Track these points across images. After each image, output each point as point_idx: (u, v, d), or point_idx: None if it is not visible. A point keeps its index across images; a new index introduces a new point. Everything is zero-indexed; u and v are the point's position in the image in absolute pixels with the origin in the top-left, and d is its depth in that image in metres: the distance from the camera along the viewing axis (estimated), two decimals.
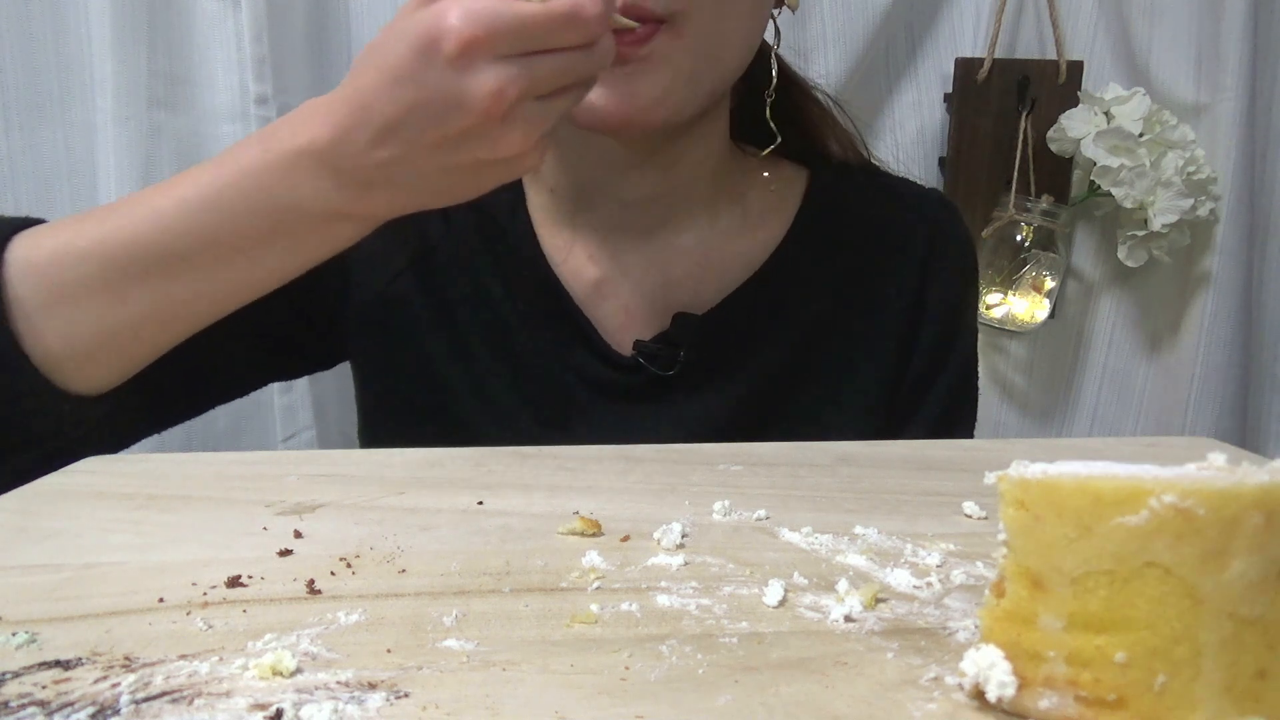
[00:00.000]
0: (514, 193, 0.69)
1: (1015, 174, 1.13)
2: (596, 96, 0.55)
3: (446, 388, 0.68)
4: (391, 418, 0.71)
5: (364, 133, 0.46)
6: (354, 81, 0.47)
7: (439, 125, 0.45)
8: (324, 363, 0.76)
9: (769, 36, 0.66)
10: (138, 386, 0.56)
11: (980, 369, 0.77)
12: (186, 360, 0.57)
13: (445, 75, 0.44)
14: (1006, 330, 1.19)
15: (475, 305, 0.68)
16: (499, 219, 0.68)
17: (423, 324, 0.68)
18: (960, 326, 0.73)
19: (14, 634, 0.30)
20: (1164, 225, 1.10)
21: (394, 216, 0.52)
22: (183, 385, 0.61)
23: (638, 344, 0.66)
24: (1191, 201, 1.10)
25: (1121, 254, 1.16)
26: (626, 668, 0.28)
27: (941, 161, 1.17)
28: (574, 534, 0.40)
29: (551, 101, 0.47)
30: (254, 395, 0.72)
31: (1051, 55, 1.14)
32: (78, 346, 0.52)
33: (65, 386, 0.53)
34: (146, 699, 0.26)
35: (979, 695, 0.26)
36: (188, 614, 0.32)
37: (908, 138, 1.17)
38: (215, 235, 0.50)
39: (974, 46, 1.14)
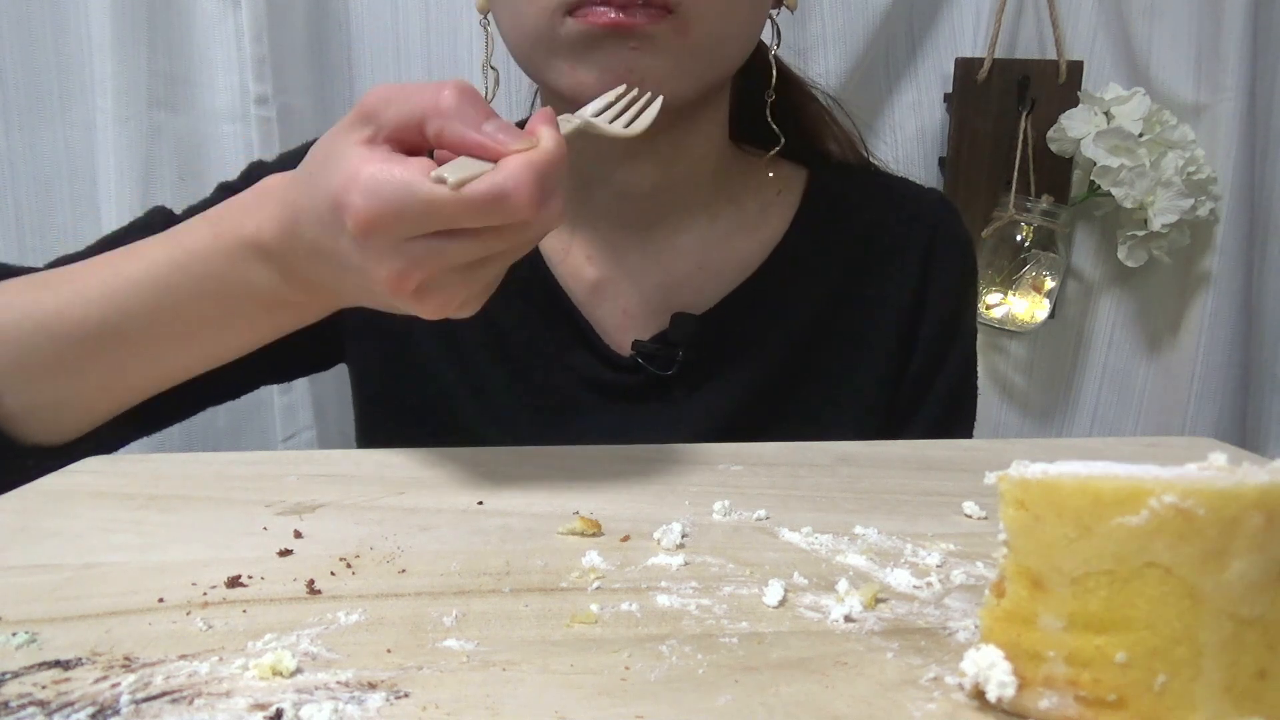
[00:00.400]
0: None
1: (1015, 174, 1.13)
2: (600, 76, 0.55)
3: (442, 389, 0.68)
4: (388, 420, 0.71)
5: (299, 250, 0.45)
6: (298, 185, 0.44)
7: (354, 280, 0.43)
8: (320, 365, 0.75)
9: (769, 38, 0.66)
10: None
11: (980, 369, 0.77)
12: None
13: (351, 245, 0.41)
14: (1006, 330, 1.19)
15: None
16: None
17: (417, 326, 0.68)
18: (959, 327, 0.73)
19: (14, 634, 0.30)
20: (1164, 225, 1.10)
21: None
22: (173, 393, 0.61)
23: (636, 344, 0.66)
24: (1191, 201, 1.10)
25: (1121, 254, 1.16)
26: (626, 668, 0.28)
27: (941, 161, 1.17)
28: (574, 534, 0.40)
29: (477, 271, 0.42)
30: (254, 395, 0.72)
31: (1051, 55, 1.14)
32: (37, 409, 0.52)
33: (28, 440, 0.52)
34: (146, 699, 0.26)
35: (979, 695, 0.26)
36: (188, 614, 0.32)
37: (908, 138, 1.17)
38: (166, 316, 0.50)
39: (974, 46, 1.14)
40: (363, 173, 0.39)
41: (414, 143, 0.41)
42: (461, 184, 0.37)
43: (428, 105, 0.40)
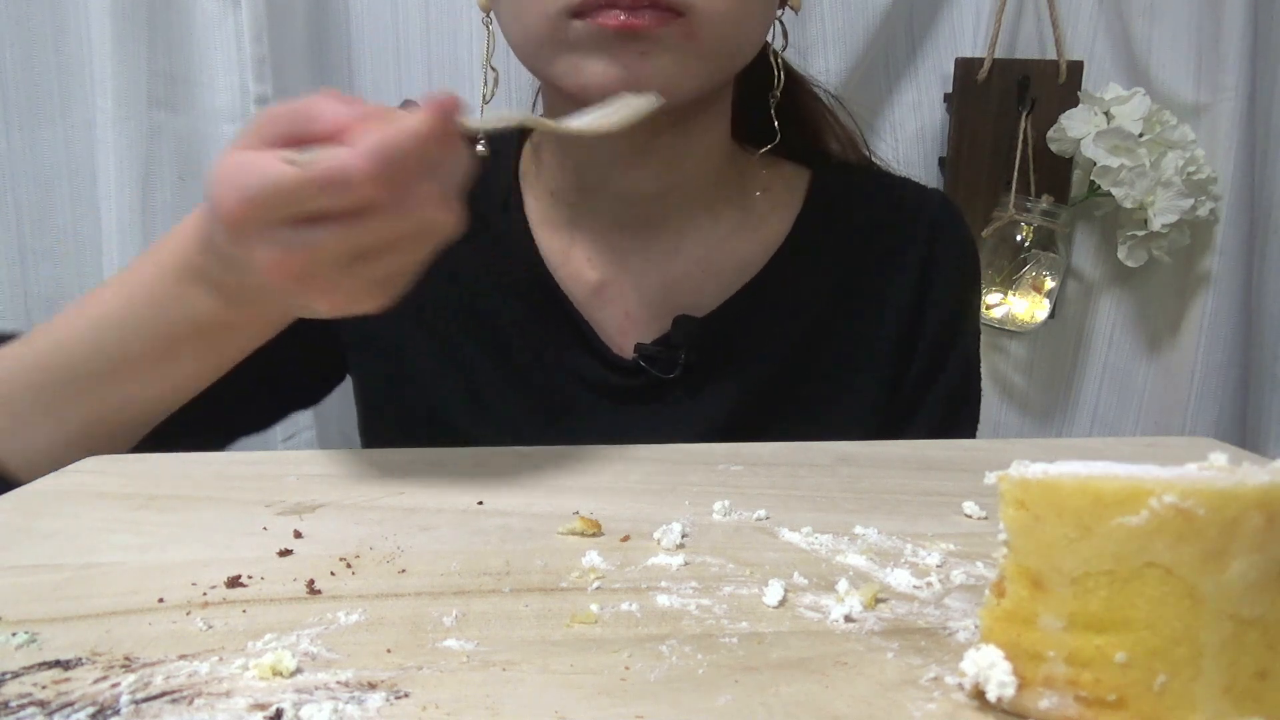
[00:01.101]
0: (510, 196, 0.69)
1: (1015, 174, 1.13)
2: (606, 72, 0.55)
3: (443, 396, 0.67)
4: (390, 428, 0.71)
5: (216, 264, 0.46)
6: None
7: (253, 281, 0.44)
8: (336, 379, 0.76)
9: (774, 38, 0.66)
10: (154, 442, 0.57)
11: (981, 369, 0.77)
12: (202, 415, 0.57)
13: (230, 241, 0.42)
14: (1006, 330, 1.19)
15: (468, 312, 0.68)
16: (493, 222, 0.68)
17: (414, 334, 0.68)
18: (961, 327, 0.73)
19: (14, 634, 0.30)
20: (1164, 225, 1.10)
21: (292, 320, 0.52)
22: (203, 428, 0.60)
23: (638, 347, 0.66)
24: (1191, 201, 1.10)
25: (1121, 254, 1.16)
26: (626, 668, 0.28)
27: (941, 161, 1.17)
28: (574, 534, 0.40)
29: (365, 265, 0.41)
30: None
31: (1051, 55, 1.14)
32: (36, 459, 0.53)
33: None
34: (146, 699, 0.26)
35: (979, 695, 0.26)
36: (188, 614, 0.32)
37: (908, 138, 1.17)
38: (127, 352, 0.51)
39: (974, 46, 1.14)
40: (224, 165, 0.40)
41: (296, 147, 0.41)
42: (308, 164, 0.38)
43: (298, 106, 0.41)
